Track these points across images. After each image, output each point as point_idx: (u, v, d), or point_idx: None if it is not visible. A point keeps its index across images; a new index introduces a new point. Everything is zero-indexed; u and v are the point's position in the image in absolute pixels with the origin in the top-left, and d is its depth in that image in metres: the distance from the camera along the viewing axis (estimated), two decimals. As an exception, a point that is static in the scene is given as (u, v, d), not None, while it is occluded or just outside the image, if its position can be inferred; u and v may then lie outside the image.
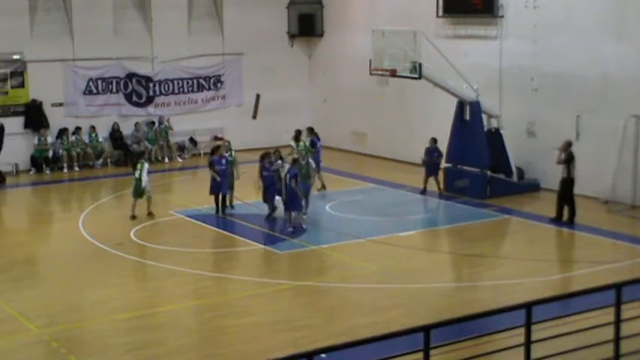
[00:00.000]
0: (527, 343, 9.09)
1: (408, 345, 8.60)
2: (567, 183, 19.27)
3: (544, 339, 9.42)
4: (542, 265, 16.31)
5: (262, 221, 19.77)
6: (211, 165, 20.52)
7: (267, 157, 19.98)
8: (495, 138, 22.37)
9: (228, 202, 20.78)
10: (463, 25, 24.76)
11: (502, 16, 23.52)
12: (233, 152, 21.36)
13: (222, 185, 20.39)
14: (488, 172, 21.85)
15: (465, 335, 10.34)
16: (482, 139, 22.08)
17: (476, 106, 22.21)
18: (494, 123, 22.75)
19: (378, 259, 17.00)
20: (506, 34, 23.55)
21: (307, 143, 22.75)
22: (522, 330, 9.11)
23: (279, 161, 20.09)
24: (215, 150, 20.95)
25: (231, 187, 20.87)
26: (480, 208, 20.93)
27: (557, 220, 19.32)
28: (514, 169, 22.51)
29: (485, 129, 22.43)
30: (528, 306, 9.08)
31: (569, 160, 19.21)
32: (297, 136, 22.90)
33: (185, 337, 13.14)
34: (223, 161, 20.43)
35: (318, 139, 23.11)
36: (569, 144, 19.42)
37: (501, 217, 20.29)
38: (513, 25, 23.31)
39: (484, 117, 22.47)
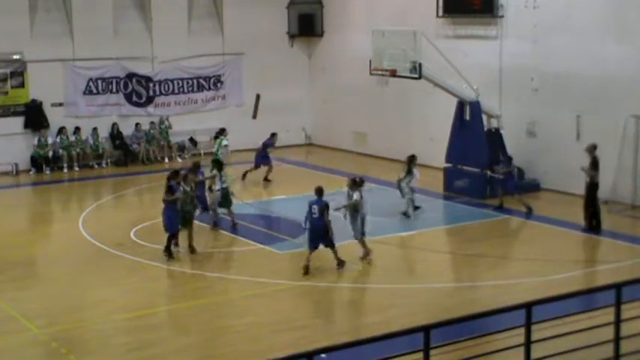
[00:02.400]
0: (528, 343, 9.09)
1: (408, 345, 8.61)
2: (592, 187, 18.60)
3: (544, 339, 9.42)
4: (542, 265, 16.31)
5: (261, 221, 19.75)
6: (170, 190, 16.92)
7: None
8: (495, 138, 22.37)
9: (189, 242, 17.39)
10: (463, 25, 24.76)
11: (502, 16, 23.51)
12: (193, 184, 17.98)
13: (176, 221, 17.03)
14: (488, 172, 21.83)
15: (465, 335, 10.34)
16: (482, 139, 22.08)
17: (476, 106, 22.21)
18: (494, 123, 22.75)
19: (378, 259, 16.99)
20: (506, 34, 23.55)
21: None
22: (522, 330, 9.11)
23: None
24: (174, 175, 17.30)
25: (189, 222, 17.36)
26: (479, 208, 20.92)
27: (589, 229, 18.59)
28: (514, 168, 22.50)
29: (485, 129, 22.44)
30: (528, 306, 9.08)
31: (594, 164, 18.53)
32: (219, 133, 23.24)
33: (185, 337, 13.15)
34: (181, 188, 17.25)
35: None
36: (594, 147, 18.76)
37: (501, 217, 20.28)
38: (513, 25, 23.30)
39: (484, 117, 22.48)
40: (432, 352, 8.41)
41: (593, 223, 18.65)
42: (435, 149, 24.27)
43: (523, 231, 19.46)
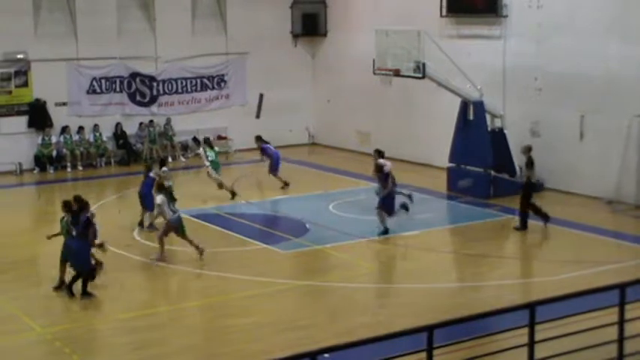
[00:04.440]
0: (531, 343, 9.07)
1: (411, 345, 8.58)
2: (527, 187, 18.87)
3: (548, 339, 9.40)
4: (545, 265, 16.29)
5: (265, 221, 19.74)
6: (85, 228, 14.84)
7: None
8: (499, 138, 22.34)
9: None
10: (467, 25, 24.73)
11: (506, 16, 23.48)
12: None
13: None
14: (492, 172, 21.81)
15: (468, 335, 10.31)
16: (486, 139, 22.06)
17: (479, 106, 22.19)
18: (497, 123, 22.72)
19: (380, 258, 16.99)
20: (510, 34, 23.52)
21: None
22: (526, 330, 9.09)
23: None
24: (82, 205, 15.34)
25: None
26: (483, 207, 20.89)
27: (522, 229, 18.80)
28: (518, 169, 22.48)
29: (489, 129, 22.41)
30: (531, 306, 9.06)
31: (529, 164, 18.84)
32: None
33: (188, 337, 13.15)
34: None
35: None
36: (528, 148, 19.17)
37: (505, 217, 20.23)
38: (517, 25, 23.27)
39: (488, 117, 22.46)
40: (436, 352, 8.39)
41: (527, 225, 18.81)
42: (438, 149, 24.25)
43: (526, 231, 19.40)
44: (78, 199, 15.45)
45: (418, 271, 16.07)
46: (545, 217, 18.84)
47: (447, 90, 22.32)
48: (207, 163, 22.02)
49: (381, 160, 18.87)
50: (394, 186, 18.67)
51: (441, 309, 13.72)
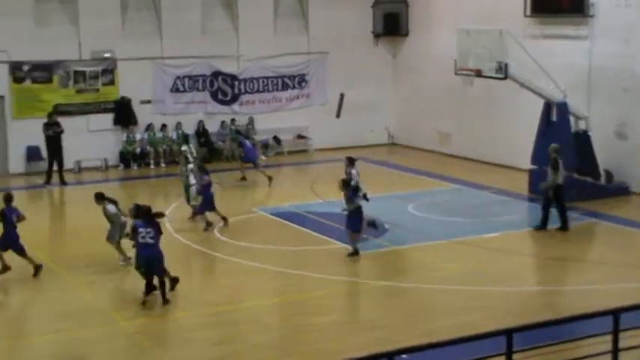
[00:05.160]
0: (615, 351, 8.87)
1: (490, 348, 8.50)
2: (556, 190, 18.61)
3: (633, 347, 9.18)
4: (631, 271, 15.89)
5: (344, 220, 19.77)
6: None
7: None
8: (583, 140, 21.90)
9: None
10: (551, 25, 24.30)
11: (592, 16, 23.00)
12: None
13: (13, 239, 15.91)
14: (575, 175, 21.37)
15: (547, 340, 10.15)
16: (569, 141, 21.64)
17: (563, 107, 21.78)
18: (581, 125, 22.28)
19: (460, 260, 16.84)
20: (596, 34, 23.02)
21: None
22: (608, 337, 8.90)
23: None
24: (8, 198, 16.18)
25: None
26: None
27: (542, 229, 18.71)
28: (602, 171, 22.00)
29: (573, 131, 21.99)
30: (615, 312, 8.87)
31: (554, 165, 18.52)
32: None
33: (266, 334, 13.26)
34: (14, 215, 15.98)
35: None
36: (556, 149, 18.79)
37: (588, 220, 19.84)
38: (604, 25, 22.77)
39: (571, 118, 22.03)
40: (515, 356, 8.29)
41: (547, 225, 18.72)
42: (520, 150, 23.90)
43: (610, 235, 18.97)
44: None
45: (498, 274, 15.87)
46: (564, 224, 18.69)
47: (530, 91, 21.99)
48: (191, 178, 20.17)
49: (353, 171, 18.38)
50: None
51: (520, 312, 13.53)
